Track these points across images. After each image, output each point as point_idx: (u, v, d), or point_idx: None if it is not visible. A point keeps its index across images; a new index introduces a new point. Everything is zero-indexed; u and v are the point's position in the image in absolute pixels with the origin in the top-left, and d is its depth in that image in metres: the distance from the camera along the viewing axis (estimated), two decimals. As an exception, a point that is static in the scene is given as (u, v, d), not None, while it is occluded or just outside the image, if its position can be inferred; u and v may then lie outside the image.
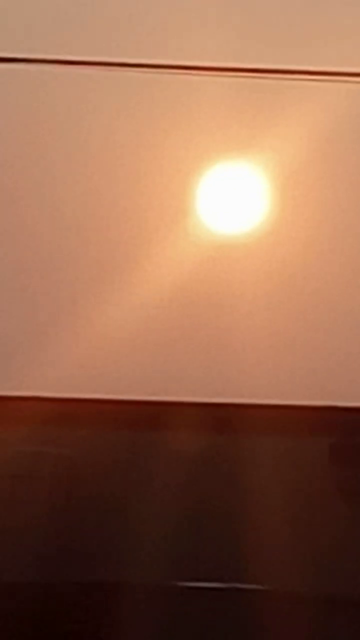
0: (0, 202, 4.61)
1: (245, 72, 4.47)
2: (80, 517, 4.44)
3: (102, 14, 4.82)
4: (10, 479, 4.41)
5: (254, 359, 4.47)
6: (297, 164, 4.50)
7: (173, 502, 4.40)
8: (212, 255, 4.55)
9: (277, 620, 4.23)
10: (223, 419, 4.42)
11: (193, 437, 4.43)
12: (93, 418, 4.43)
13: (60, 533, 4.43)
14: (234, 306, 4.54)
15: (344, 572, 4.37)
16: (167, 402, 4.42)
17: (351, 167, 4.54)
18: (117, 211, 4.65)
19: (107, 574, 4.39)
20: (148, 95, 4.63)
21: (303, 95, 4.40)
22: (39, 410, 4.44)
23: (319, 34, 4.41)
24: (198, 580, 4.33)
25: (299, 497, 4.40)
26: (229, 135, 4.53)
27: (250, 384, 4.45)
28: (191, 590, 4.32)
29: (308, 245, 4.56)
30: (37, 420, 4.44)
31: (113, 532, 4.40)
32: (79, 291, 4.60)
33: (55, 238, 4.63)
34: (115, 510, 4.43)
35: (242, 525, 4.35)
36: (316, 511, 4.42)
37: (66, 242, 4.62)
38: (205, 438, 4.46)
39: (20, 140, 4.70)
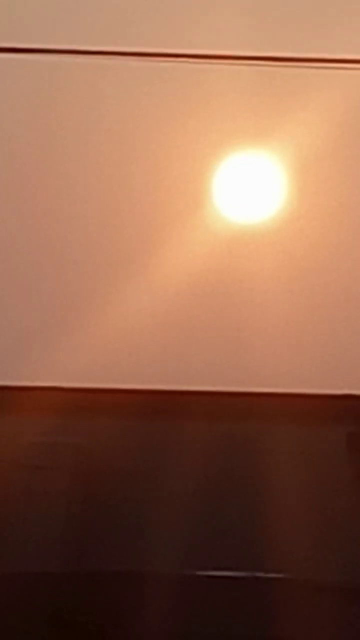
0: (12, 194, 4.58)
1: (263, 60, 4.46)
2: (97, 506, 4.43)
3: (113, 1, 4.80)
4: (27, 469, 4.40)
5: (271, 348, 4.46)
6: (315, 153, 4.49)
7: (190, 491, 4.39)
8: (228, 244, 4.54)
9: (297, 609, 4.24)
10: (239, 408, 4.42)
11: (210, 426, 4.43)
12: (110, 408, 4.42)
13: (77, 523, 4.42)
14: (251, 295, 4.53)
15: (361, 561, 4.38)
16: (184, 392, 4.41)
17: (368, 157, 4.54)
18: (133, 201, 4.63)
19: (125, 563, 4.38)
20: (164, 84, 4.61)
21: (321, 84, 4.39)
22: (55, 401, 4.42)
23: (338, 21, 4.40)
24: (217, 569, 4.33)
25: (316, 486, 4.41)
26: (246, 124, 4.52)
27: (267, 373, 4.45)
28: (210, 579, 4.31)
29: (325, 235, 4.55)
30: (53, 410, 4.42)
31: (131, 521, 4.39)
32: (95, 281, 4.58)
33: (70, 228, 4.61)
34: (133, 499, 4.42)
35: (260, 514, 4.35)
36: (334, 500, 4.42)
37: (81, 232, 4.60)
38: (222, 427, 4.45)
39: (30, 132, 4.67)
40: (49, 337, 4.50)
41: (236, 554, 4.35)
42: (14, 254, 4.52)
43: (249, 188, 4.61)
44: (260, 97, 4.48)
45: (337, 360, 4.46)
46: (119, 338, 4.48)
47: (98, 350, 4.48)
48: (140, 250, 4.58)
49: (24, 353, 4.39)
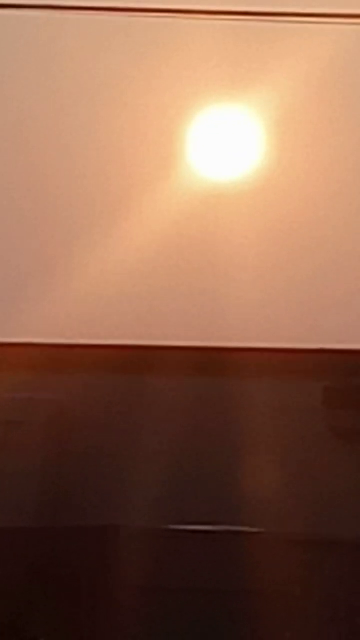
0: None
1: (241, 15, 4.42)
2: (74, 462, 4.43)
3: None
4: (4, 425, 4.39)
5: (248, 303, 4.46)
6: (292, 107, 4.47)
7: (166, 445, 4.39)
8: (206, 199, 4.52)
9: (271, 562, 4.25)
10: (217, 363, 4.41)
11: (187, 381, 4.42)
12: (87, 363, 4.41)
13: (54, 478, 4.42)
14: (227, 251, 4.52)
15: (338, 515, 4.39)
16: (161, 347, 4.39)
17: (347, 111, 4.52)
18: (110, 156, 4.60)
19: (101, 518, 4.39)
20: (141, 39, 4.58)
21: (299, 38, 4.36)
22: (32, 357, 4.40)
23: (313, -27, 4.37)
24: (192, 523, 4.34)
25: (293, 440, 4.41)
26: (223, 78, 4.49)
27: (244, 328, 4.44)
28: (185, 533, 4.32)
29: (303, 190, 4.54)
30: (29, 366, 4.41)
31: (107, 476, 4.39)
32: (70, 239, 4.56)
33: (47, 186, 4.58)
34: (109, 455, 4.41)
35: (236, 469, 4.35)
36: (310, 454, 4.43)
37: (58, 189, 4.58)
38: (199, 382, 4.45)
39: (15, 84, 4.63)
40: (24, 295, 4.49)
41: (211, 508, 4.36)
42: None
43: (227, 144, 4.59)
44: (238, 51, 4.46)
45: (313, 315, 4.47)
46: (94, 295, 4.47)
47: (74, 306, 4.47)
48: (117, 208, 4.56)
49: (-1, 309, 4.38)
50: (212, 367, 4.39)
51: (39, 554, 4.30)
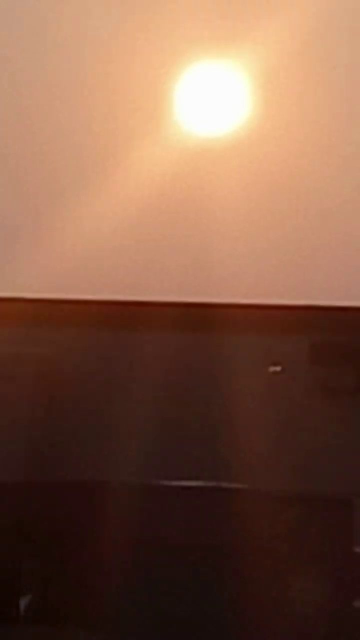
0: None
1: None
2: (59, 417, 4.47)
3: None
4: (-8, 380, 4.43)
5: (232, 259, 4.47)
6: (279, 62, 4.45)
7: (154, 401, 4.42)
8: (193, 155, 4.52)
9: (258, 518, 4.28)
10: (204, 319, 4.43)
11: (172, 337, 4.44)
12: (71, 318, 4.44)
13: (39, 433, 4.46)
14: (212, 207, 4.52)
15: (323, 471, 4.41)
16: (148, 302, 4.42)
17: (335, 66, 4.49)
18: (92, 112, 4.60)
19: (88, 473, 4.42)
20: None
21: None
22: (17, 311, 4.44)
23: None
24: (180, 479, 4.37)
25: (278, 397, 4.43)
26: (208, 32, 4.47)
27: (229, 284, 4.46)
28: (173, 488, 4.36)
29: (290, 147, 4.52)
30: (14, 321, 4.45)
31: (94, 432, 4.43)
32: (55, 192, 4.57)
33: (29, 140, 4.59)
34: (97, 410, 4.45)
35: (222, 420, 4.38)
36: (296, 410, 4.45)
37: (39, 143, 4.59)
38: (184, 337, 4.47)
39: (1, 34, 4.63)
40: (11, 248, 4.51)
41: (198, 464, 4.39)
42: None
43: (213, 99, 4.58)
44: (223, 4, 4.43)
45: (299, 271, 4.47)
46: (83, 249, 4.48)
47: (62, 260, 4.48)
48: (100, 163, 4.56)
49: (-14, 263, 4.41)
50: (199, 323, 4.42)
51: (27, 509, 4.34)
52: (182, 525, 4.38)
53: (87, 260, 4.41)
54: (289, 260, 4.42)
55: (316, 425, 4.39)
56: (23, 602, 3.93)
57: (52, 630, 3.53)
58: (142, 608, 3.66)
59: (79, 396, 4.43)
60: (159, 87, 4.55)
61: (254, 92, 4.53)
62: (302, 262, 4.37)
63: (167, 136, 4.49)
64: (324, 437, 4.42)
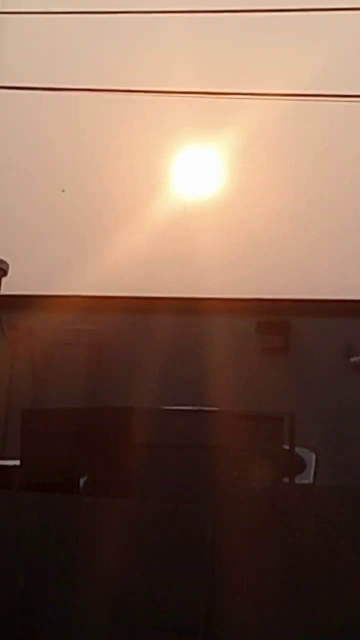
0: None
1: (207, 94, 7.15)
2: (104, 369, 7.20)
3: None
4: (61, 346, 7.18)
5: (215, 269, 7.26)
6: (254, 144, 7.22)
7: (160, 364, 7.20)
8: (184, 213, 7.29)
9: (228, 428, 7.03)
10: (193, 309, 7.26)
11: (173, 321, 7.26)
12: (113, 307, 7.22)
13: (90, 379, 7.20)
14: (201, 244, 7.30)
15: (263, 399, 7.21)
16: (158, 297, 7.24)
17: (301, 150, 7.32)
18: (111, 182, 7.37)
19: (89, 400, 7.14)
20: (134, 115, 7.27)
21: (248, 111, 7.08)
22: (81, 303, 7.22)
23: None
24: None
25: (235, 356, 7.26)
26: (196, 139, 7.26)
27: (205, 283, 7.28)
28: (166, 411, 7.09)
29: (263, 210, 7.33)
30: (79, 309, 7.21)
31: (118, 383, 7.17)
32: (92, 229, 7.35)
33: (56, 207, 7.35)
34: (125, 365, 7.20)
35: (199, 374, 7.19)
36: (245, 365, 7.27)
37: (65, 209, 7.40)
38: (182, 321, 7.27)
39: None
40: (78, 261, 7.27)
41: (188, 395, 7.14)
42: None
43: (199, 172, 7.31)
44: (206, 125, 7.13)
45: (251, 271, 7.28)
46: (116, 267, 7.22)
47: (106, 273, 7.22)
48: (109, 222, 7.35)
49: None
50: (191, 311, 7.25)
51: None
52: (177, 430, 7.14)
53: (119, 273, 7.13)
54: (245, 264, 7.18)
55: (260, 375, 7.23)
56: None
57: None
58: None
59: (113, 356, 7.17)
60: (158, 164, 7.30)
61: (234, 168, 7.30)
62: (256, 264, 7.15)
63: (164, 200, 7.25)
64: (266, 381, 7.26)
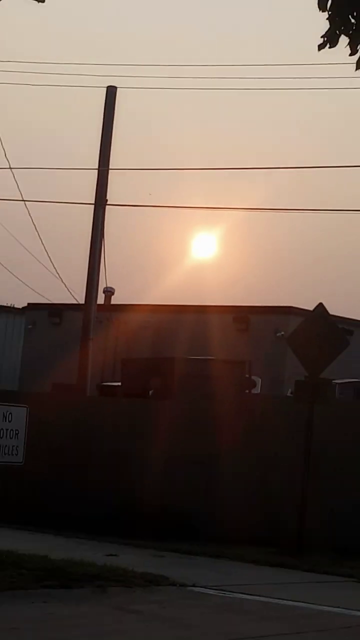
0: None
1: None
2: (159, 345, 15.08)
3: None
4: (135, 330, 15.02)
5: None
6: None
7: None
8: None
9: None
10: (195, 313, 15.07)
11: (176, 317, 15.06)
12: (165, 310, 15.12)
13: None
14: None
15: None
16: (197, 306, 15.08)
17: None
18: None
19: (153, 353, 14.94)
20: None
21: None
22: (146, 309, 15.10)
23: None
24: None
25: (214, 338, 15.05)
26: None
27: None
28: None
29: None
30: (147, 311, 15.09)
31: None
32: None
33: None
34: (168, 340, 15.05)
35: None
36: (225, 345, 15.08)
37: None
38: (180, 317, 15.09)
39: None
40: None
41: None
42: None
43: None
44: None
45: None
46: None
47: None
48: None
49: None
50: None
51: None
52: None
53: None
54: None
55: (234, 345, 14.97)
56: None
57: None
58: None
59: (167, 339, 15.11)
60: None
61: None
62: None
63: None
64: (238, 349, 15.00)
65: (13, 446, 8.42)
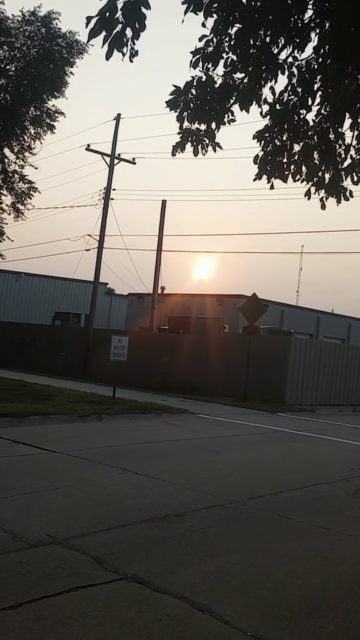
0: None
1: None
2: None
3: None
4: (179, 315, 29.13)
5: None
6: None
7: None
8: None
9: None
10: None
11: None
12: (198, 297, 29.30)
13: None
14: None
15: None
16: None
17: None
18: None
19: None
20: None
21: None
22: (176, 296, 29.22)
23: None
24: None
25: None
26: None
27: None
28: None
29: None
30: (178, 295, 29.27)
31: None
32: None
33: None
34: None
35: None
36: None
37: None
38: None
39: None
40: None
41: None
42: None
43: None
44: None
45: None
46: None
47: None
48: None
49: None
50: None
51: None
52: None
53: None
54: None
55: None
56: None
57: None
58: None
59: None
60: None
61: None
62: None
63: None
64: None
65: (121, 352, 22.10)
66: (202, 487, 8.06)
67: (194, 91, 6.21)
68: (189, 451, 11.20)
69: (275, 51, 5.76)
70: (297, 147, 6.54)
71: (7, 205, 25.66)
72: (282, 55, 5.86)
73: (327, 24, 5.53)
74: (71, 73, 24.50)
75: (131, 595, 4.43)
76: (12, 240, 29.57)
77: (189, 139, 6.59)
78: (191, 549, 5.57)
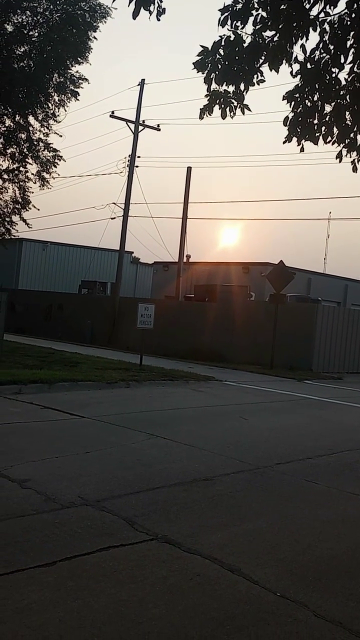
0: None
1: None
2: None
3: None
4: (203, 286, 29.01)
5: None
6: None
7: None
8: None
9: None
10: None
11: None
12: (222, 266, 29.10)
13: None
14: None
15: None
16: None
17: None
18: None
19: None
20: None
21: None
22: (204, 265, 29.05)
23: None
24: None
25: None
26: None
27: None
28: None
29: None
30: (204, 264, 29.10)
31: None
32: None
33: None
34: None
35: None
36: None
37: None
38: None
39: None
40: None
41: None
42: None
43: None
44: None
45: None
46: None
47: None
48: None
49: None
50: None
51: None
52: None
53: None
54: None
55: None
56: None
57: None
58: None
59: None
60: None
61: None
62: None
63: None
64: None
65: (148, 320, 22.19)
66: (230, 452, 8.13)
67: (222, 51, 6.07)
68: (216, 417, 11.28)
69: (307, 7, 5.58)
70: (328, 108, 6.38)
71: (32, 173, 25.64)
72: (314, 11, 5.68)
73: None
74: (94, 38, 24.12)
75: (162, 555, 4.51)
76: (38, 209, 29.68)
77: (217, 102, 6.46)
78: (220, 512, 5.64)
